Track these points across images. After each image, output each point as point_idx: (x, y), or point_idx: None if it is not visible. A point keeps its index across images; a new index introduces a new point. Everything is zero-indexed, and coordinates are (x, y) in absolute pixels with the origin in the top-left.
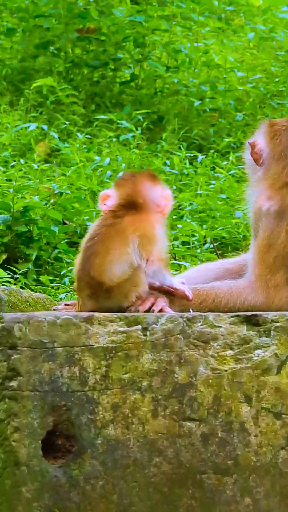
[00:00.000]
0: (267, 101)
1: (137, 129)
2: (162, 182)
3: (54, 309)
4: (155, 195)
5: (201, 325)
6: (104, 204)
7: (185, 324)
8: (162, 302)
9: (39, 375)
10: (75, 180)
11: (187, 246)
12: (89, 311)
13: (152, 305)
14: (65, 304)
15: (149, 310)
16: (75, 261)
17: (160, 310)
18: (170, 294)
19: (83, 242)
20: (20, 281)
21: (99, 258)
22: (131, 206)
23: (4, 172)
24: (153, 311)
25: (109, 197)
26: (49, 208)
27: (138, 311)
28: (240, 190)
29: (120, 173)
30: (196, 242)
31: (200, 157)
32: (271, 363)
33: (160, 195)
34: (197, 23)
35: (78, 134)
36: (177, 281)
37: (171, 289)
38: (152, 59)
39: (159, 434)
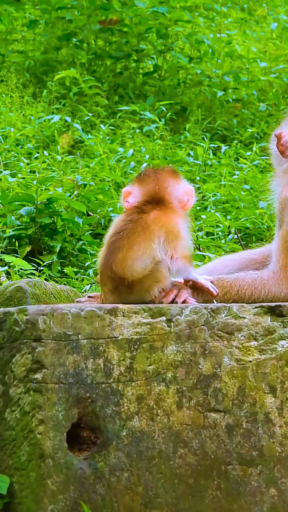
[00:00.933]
0: None
1: (160, 120)
2: (184, 178)
3: (77, 301)
4: (178, 191)
5: (225, 316)
6: (127, 201)
7: (209, 315)
8: (185, 293)
9: (64, 367)
10: (98, 172)
11: (211, 237)
12: None
13: (176, 296)
14: (89, 296)
15: (173, 301)
16: (99, 254)
17: (184, 302)
18: (194, 287)
19: (107, 236)
20: (44, 273)
21: (122, 253)
22: (155, 202)
23: (28, 164)
24: (177, 302)
25: (131, 194)
26: (73, 200)
27: (161, 303)
28: (264, 181)
29: (142, 167)
30: (220, 233)
31: (224, 147)
32: None
33: (183, 191)
34: (220, 14)
35: (102, 125)
36: (201, 277)
37: (197, 284)
38: (175, 50)
39: (184, 426)
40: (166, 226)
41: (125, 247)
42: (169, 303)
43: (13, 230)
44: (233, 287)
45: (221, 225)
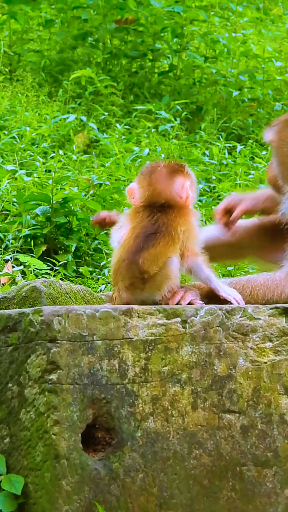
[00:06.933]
0: None
1: (175, 120)
2: (182, 172)
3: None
4: (175, 188)
5: (240, 317)
6: (133, 198)
7: (224, 316)
8: (190, 295)
9: (79, 368)
10: (114, 171)
11: None
12: (123, 303)
13: (181, 298)
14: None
15: (179, 303)
16: (115, 252)
17: (189, 303)
18: (216, 298)
19: (124, 238)
20: (59, 272)
21: (154, 250)
22: (162, 201)
23: (44, 163)
24: (181, 304)
25: (134, 191)
26: (88, 199)
27: (168, 304)
28: None
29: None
30: None
31: (239, 147)
32: None
33: (180, 187)
34: (235, 13)
35: (117, 124)
36: (226, 288)
37: (218, 296)
38: (191, 50)
39: (199, 427)
40: (185, 225)
41: (158, 245)
42: (174, 305)
43: (29, 230)
44: (246, 289)
45: None
